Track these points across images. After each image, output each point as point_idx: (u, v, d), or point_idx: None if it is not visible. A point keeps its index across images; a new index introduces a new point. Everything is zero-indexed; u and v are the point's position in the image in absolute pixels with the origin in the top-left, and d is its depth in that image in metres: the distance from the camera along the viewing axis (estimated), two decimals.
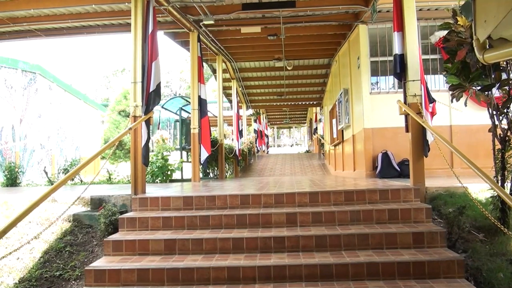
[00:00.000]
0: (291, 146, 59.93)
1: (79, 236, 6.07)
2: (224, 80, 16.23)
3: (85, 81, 66.76)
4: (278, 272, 4.81)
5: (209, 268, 4.85)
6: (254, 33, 11.72)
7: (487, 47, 2.64)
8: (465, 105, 5.37)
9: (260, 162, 23.39)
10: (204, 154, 10.68)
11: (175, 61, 67.11)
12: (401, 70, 6.79)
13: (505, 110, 5.08)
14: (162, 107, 16.31)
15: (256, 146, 27.54)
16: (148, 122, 7.13)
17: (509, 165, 5.10)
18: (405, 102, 6.74)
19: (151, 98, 7.17)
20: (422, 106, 6.61)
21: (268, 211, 6.04)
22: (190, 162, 10.98)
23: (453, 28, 5.02)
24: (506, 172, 5.10)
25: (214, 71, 15.96)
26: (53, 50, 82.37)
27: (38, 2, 9.50)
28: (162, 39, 12.34)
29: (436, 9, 9.92)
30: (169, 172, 12.35)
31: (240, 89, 19.65)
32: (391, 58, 7.89)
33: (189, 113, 13.16)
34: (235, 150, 16.01)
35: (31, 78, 19.03)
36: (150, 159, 8.86)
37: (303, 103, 24.80)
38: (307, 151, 37.20)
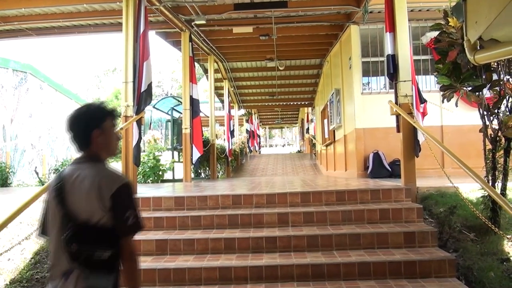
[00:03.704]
0: (283, 146, 59.96)
1: None
2: (216, 80, 16.21)
3: (76, 80, 66.29)
4: (270, 272, 4.82)
5: (201, 269, 4.85)
6: (246, 33, 11.71)
7: (478, 48, 2.65)
8: (456, 105, 5.41)
9: (252, 162, 23.39)
10: (196, 154, 10.65)
11: (167, 61, 66.85)
12: (394, 71, 6.82)
13: (495, 111, 5.12)
14: (154, 107, 16.28)
15: (248, 146, 27.53)
16: (139, 122, 7.11)
17: (499, 165, 5.13)
18: (396, 103, 6.77)
19: (142, 98, 7.15)
20: (413, 106, 6.64)
21: (260, 211, 6.05)
22: (182, 162, 10.96)
23: (444, 29, 5.05)
24: (496, 172, 5.13)
25: (206, 71, 15.93)
26: (44, 50, 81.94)
27: (29, 1, 9.43)
28: (154, 39, 12.33)
29: (427, 10, 9.96)
30: (160, 172, 12.32)
31: (232, 89, 19.62)
32: (383, 58, 7.92)
33: (181, 113, 13.13)
34: (226, 150, 16.00)
35: (22, 78, 18.87)
36: (141, 159, 8.83)
37: (295, 103, 24.81)
38: (299, 151, 37.23)
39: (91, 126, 2.38)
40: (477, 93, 5.16)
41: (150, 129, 23.73)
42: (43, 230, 2.42)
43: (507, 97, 5.01)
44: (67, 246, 2.20)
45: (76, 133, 2.40)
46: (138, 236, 5.51)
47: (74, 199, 2.26)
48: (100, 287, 2.22)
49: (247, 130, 28.66)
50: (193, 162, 10.73)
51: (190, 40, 10.80)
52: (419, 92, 7.04)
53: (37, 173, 14.01)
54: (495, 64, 4.91)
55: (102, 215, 2.23)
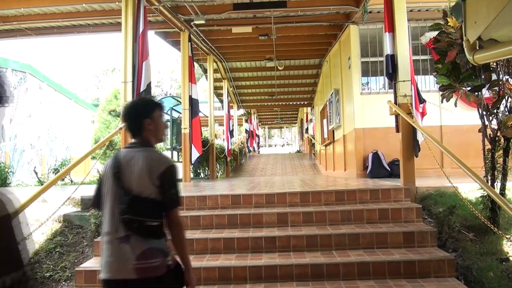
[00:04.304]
0: (282, 146, 59.94)
1: (70, 237, 6.04)
2: (215, 80, 16.18)
3: (76, 80, 66.28)
4: (269, 272, 4.82)
5: (200, 269, 4.84)
6: (245, 33, 11.70)
7: (477, 48, 2.66)
8: (455, 105, 5.41)
9: (252, 162, 23.37)
10: (195, 154, 10.64)
11: (166, 61, 66.87)
12: (393, 71, 6.82)
13: (495, 111, 5.12)
14: None
15: (248, 146, 27.52)
16: None
17: (499, 165, 5.14)
18: (395, 103, 6.77)
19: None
20: (413, 106, 6.64)
21: (259, 211, 6.04)
22: (181, 162, 10.95)
23: (443, 29, 5.05)
24: (496, 172, 5.14)
25: (205, 71, 15.91)
26: (44, 50, 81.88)
27: (29, 1, 9.43)
28: (153, 38, 12.31)
29: (426, 10, 9.96)
30: None
31: (231, 89, 19.59)
32: (382, 58, 7.91)
33: (180, 113, 13.12)
34: (225, 150, 15.98)
35: (21, 78, 18.86)
36: None
37: (294, 103, 24.78)
38: (298, 151, 37.22)
39: (143, 116, 2.83)
40: (476, 93, 5.16)
41: None
42: (95, 203, 2.85)
43: (506, 97, 5.01)
44: (122, 216, 2.62)
45: (130, 122, 2.86)
46: None
47: (128, 177, 2.68)
48: (158, 247, 2.65)
49: (246, 130, 28.65)
50: (192, 162, 10.72)
51: (189, 40, 10.80)
52: (418, 92, 7.04)
53: (36, 173, 14.01)
54: (494, 64, 4.91)
55: (152, 191, 2.65)
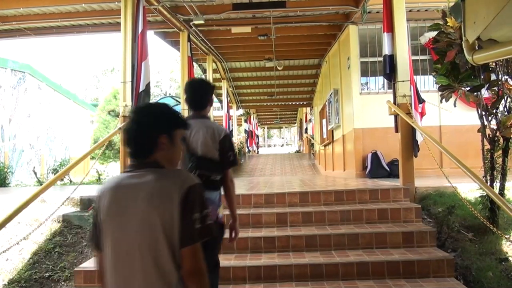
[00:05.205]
0: (282, 146, 59.94)
1: (69, 237, 6.03)
2: (215, 80, 16.14)
3: (75, 80, 66.28)
4: (269, 272, 4.82)
5: None
6: (245, 33, 11.68)
7: (477, 48, 2.66)
8: (455, 105, 5.42)
9: (251, 162, 23.35)
10: None
11: (165, 61, 66.82)
12: (390, 71, 6.82)
13: (494, 111, 5.13)
14: None
15: (247, 146, 27.50)
16: None
17: (498, 165, 5.15)
18: (394, 103, 6.77)
19: (140, 98, 7.13)
20: (412, 106, 6.64)
21: (259, 211, 6.04)
22: None
23: (442, 29, 5.06)
24: (495, 172, 5.14)
25: (204, 71, 15.89)
26: (43, 50, 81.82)
27: (28, 1, 9.40)
28: (152, 38, 12.26)
29: (426, 10, 9.95)
30: None
31: (231, 89, 19.55)
32: (381, 58, 7.92)
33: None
34: None
35: (21, 78, 18.82)
36: None
37: (294, 103, 24.77)
38: (297, 151, 37.20)
39: (209, 95, 3.65)
40: (475, 93, 5.17)
41: None
42: None
43: (505, 97, 5.02)
44: (192, 172, 3.25)
45: (200, 98, 3.60)
46: None
47: (195, 142, 3.42)
48: (211, 197, 3.36)
49: (245, 130, 28.61)
50: None
51: (189, 40, 10.78)
52: (417, 92, 7.04)
53: (35, 173, 13.99)
54: (494, 64, 4.92)
55: (214, 153, 3.43)
